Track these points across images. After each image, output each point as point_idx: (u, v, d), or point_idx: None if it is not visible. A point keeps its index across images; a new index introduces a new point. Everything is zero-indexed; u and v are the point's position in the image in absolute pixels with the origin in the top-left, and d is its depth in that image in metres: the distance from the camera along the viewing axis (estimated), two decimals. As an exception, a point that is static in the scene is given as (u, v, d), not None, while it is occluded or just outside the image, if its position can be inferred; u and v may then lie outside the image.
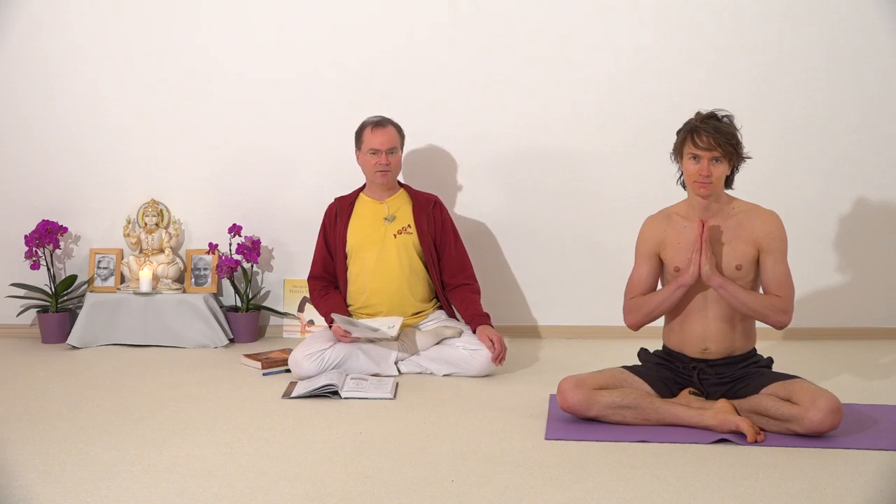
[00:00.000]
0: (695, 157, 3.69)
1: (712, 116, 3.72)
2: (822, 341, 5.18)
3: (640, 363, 3.91)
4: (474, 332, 4.51)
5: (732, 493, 2.98)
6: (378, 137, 4.58)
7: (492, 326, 4.51)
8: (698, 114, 3.75)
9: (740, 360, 3.76)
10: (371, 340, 4.44)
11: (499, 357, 4.40)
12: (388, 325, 4.43)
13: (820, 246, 5.22)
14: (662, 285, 3.90)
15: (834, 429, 3.44)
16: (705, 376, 3.75)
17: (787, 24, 5.14)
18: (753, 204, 3.85)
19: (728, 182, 3.80)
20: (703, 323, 3.78)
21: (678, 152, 3.79)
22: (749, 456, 3.32)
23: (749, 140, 3.82)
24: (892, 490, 3.04)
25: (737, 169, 3.78)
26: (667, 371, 3.80)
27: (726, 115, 3.74)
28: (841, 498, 2.96)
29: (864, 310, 5.28)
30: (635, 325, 3.91)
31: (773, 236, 3.74)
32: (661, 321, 3.92)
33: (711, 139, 3.64)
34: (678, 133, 3.80)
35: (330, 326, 4.53)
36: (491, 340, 4.40)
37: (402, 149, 4.71)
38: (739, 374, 3.73)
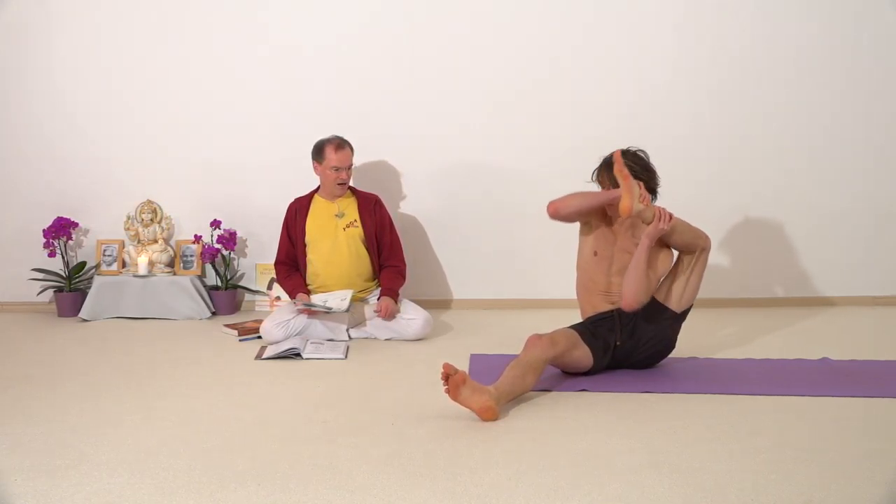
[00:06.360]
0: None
1: (626, 153, 3.57)
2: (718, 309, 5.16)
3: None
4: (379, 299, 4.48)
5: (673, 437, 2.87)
6: (340, 156, 4.51)
7: (393, 299, 4.43)
8: (617, 152, 3.57)
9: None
10: (328, 311, 4.36)
11: (383, 317, 4.35)
12: (341, 297, 4.39)
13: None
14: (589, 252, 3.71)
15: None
16: (624, 320, 3.61)
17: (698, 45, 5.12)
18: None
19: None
20: (607, 297, 3.66)
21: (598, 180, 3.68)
22: (687, 402, 3.26)
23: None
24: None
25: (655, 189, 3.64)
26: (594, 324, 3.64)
27: (640, 150, 3.64)
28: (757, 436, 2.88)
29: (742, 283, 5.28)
30: (555, 213, 3.57)
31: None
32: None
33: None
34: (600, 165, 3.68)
35: (293, 301, 4.51)
36: (381, 306, 4.37)
37: None
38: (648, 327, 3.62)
